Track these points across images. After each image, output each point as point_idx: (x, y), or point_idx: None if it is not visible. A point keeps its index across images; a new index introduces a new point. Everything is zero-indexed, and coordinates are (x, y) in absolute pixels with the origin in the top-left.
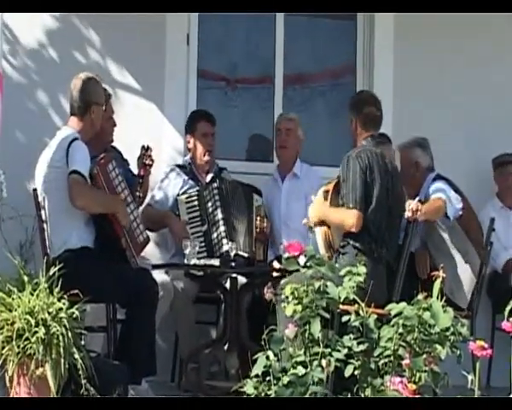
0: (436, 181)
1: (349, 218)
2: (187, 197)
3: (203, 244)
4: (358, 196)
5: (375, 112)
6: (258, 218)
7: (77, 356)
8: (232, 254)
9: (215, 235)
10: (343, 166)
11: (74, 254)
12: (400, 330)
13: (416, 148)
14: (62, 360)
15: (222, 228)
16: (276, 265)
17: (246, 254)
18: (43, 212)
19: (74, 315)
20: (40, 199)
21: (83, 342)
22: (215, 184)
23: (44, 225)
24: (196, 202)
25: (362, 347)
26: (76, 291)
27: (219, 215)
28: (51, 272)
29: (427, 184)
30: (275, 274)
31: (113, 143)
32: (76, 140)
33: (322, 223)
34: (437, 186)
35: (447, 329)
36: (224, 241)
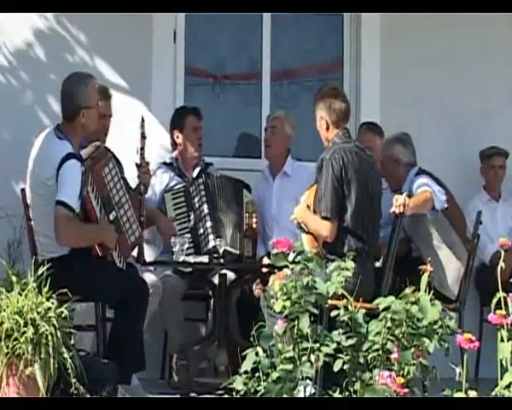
0: (419, 176)
1: (322, 230)
2: (173, 193)
3: (190, 240)
4: (330, 205)
5: (344, 105)
6: (248, 214)
7: (66, 355)
8: (221, 250)
9: (202, 230)
10: (317, 169)
11: (66, 258)
12: (388, 324)
13: (397, 144)
14: (51, 360)
15: (208, 224)
16: (265, 261)
17: (234, 251)
18: (31, 211)
19: (63, 314)
20: (29, 202)
21: (72, 342)
22: (201, 180)
23: (32, 225)
24: (183, 198)
25: (350, 341)
26: (65, 290)
27: (205, 211)
28: (39, 272)
29: (410, 178)
30: (264, 270)
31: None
32: (68, 159)
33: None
34: (421, 181)
35: (435, 322)
36: (211, 237)
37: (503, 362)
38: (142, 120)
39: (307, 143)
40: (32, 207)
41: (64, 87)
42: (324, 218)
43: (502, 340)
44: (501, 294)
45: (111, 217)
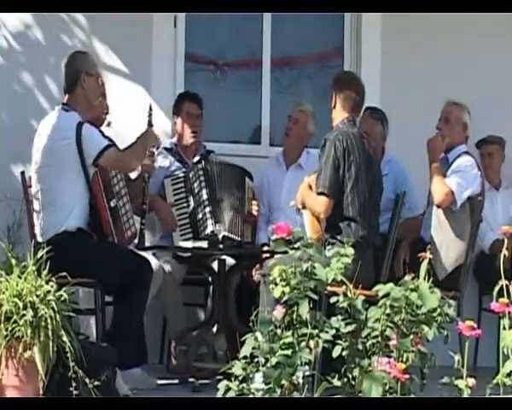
0: (466, 155)
1: (317, 205)
2: (173, 179)
3: (188, 225)
4: (328, 182)
5: (355, 95)
6: (250, 201)
7: (65, 339)
8: (220, 235)
9: (200, 215)
10: (320, 148)
11: (71, 235)
12: (387, 311)
13: (467, 112)
14: (50, 343)
15: (207, 209)
16: (266, 248)
17: (234, 236)
18: (39, 194)
19: (62, 298)
20: (33, 180)
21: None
22: (201, 165)
23: (36, 207)
24: (182, 184)
25: (349, 328)
26: (64, 274)
27: (204, 196)
28: (39, 255)
29: (457, 151)
30: (263, 256)
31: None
32: (82, 125)
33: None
34: (463, 162)
35: (434, 310)
36: (209, 221)
37: (505, 350)
38: (150, 108)
39: None
40: (39, 176)
41: (66, 60)
42: (320, 193)
43: (504, 328)
44: (503, 282)
45: (112, 204)
